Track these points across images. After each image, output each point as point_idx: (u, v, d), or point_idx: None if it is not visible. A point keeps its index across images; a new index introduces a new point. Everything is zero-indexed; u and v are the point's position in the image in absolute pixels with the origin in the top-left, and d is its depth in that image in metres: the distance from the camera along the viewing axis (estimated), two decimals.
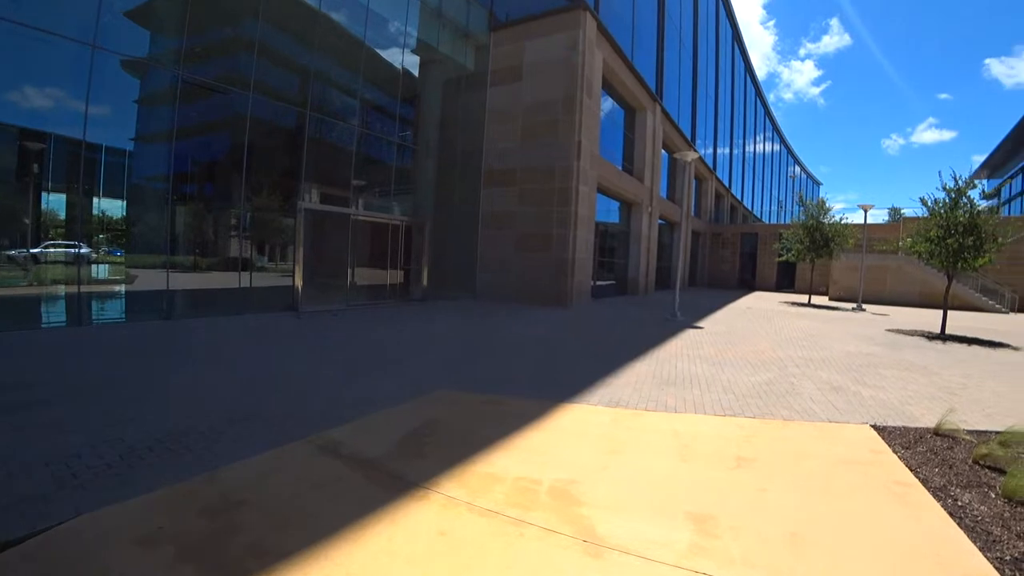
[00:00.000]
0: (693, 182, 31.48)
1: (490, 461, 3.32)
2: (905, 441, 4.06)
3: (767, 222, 54.22)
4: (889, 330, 12.42)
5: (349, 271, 12.90)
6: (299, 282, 11.13)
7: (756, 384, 5.88)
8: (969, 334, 11.91)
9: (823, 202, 21.98)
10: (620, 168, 19.89)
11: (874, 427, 4.42)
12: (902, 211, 33.42)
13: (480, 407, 4.49)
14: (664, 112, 23.84)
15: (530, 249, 15.07)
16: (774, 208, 62.48)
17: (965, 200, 11.29)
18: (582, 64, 14.44)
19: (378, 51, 13.76)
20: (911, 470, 3.45)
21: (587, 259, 15.86)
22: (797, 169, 70.76)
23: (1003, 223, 11.52)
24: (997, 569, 2.29)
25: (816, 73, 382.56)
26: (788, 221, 50.22)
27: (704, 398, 5.15)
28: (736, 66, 43.80)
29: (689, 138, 29.11)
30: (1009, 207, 36.70)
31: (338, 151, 12.73)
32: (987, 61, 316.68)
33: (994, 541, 2.57)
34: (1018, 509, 2.93)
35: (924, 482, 3.25)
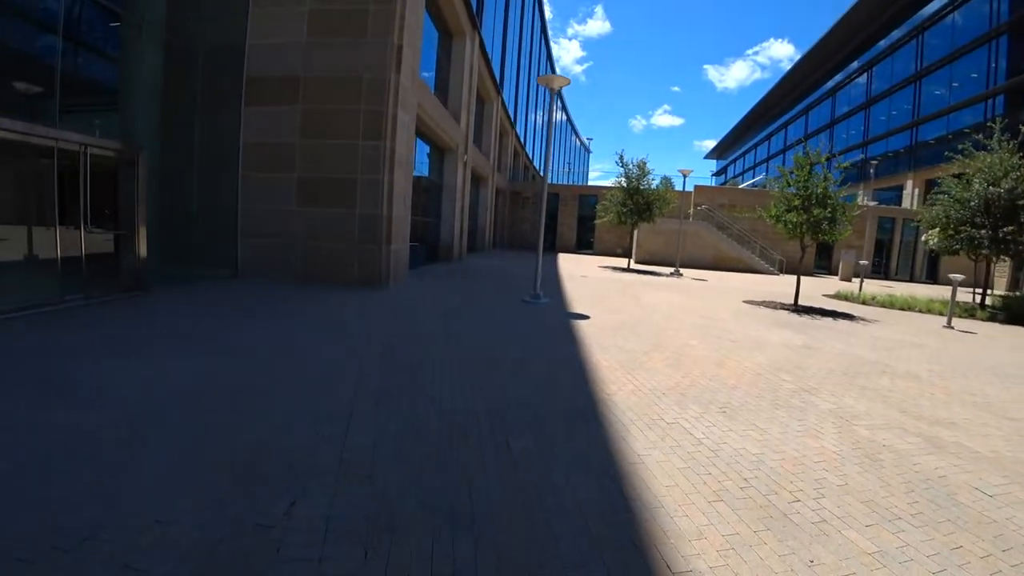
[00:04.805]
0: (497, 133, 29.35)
1: None
2: None
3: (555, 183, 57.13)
4: (746, 302, 12.18)
5: None
6: None
7: (859, 463, 3.28)
8: (804, 302, 12.48)
9: (643, 164, 21.14)
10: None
11: None
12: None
13: None
14: (482, 45, 20.51)
15: (323, 202, 10.17)
16: (562, 170, 66.54)
17: (819, 170, 11.30)
18: None
19: None
20: None
21: (405, 218, 11.64)
22: (574, 138, 76.79)
23: (849, 205, 11.95)
24: None
25: (581, 53, 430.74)
26: (569, 183, 53.76)
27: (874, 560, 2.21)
28: (535, 25, 43.06)
29: (498, 83, 26.57)
30: (743, 179, 46.18)
31: None
32: (705, 66, 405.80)
33: None
34: None
35: None
